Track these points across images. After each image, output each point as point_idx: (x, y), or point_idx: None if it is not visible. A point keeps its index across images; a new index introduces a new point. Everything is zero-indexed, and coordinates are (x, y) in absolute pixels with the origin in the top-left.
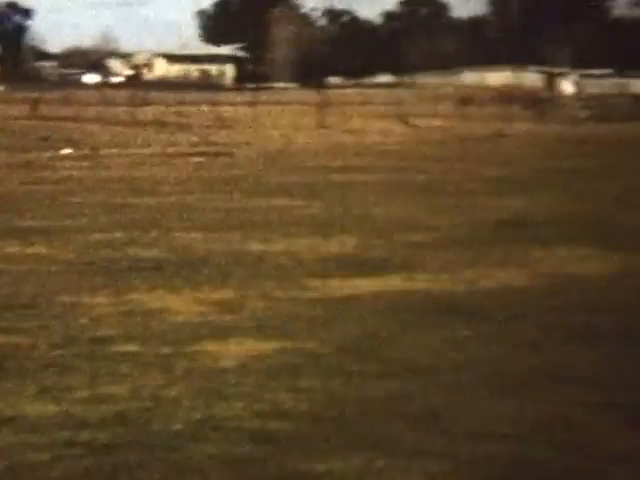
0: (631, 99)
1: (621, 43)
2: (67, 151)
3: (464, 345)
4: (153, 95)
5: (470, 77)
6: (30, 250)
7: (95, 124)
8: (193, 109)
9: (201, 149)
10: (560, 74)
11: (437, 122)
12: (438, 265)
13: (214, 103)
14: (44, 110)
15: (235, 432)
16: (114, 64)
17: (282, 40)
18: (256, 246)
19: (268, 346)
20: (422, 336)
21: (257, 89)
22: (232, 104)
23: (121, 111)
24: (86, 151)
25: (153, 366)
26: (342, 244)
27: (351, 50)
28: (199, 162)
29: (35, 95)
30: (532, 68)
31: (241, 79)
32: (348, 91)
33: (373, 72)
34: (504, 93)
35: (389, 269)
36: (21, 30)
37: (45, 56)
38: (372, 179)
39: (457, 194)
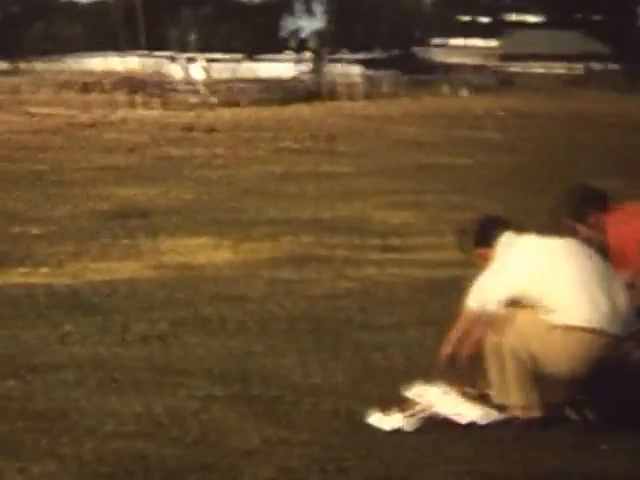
0: (257, 82)
1: (252, 27)
2: None
3: (86, 341)
4: None
5: (94, 63)
6: None
7: None
8: None
9: None
10: (189, 59)
11: (57, 110)
12: (56, 258)
13: None
14: None
15: None
16: None
17: None
18: None
19: None
20: (38, 331)
21: None
22: None
23: None
24: None
25: None
26: None
27: None
28: None
29: None
30: (159, 53)
31: None
32: None
33: None
34: (129, 79)
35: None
36: None
37: None
38: None
39: (74, 184)
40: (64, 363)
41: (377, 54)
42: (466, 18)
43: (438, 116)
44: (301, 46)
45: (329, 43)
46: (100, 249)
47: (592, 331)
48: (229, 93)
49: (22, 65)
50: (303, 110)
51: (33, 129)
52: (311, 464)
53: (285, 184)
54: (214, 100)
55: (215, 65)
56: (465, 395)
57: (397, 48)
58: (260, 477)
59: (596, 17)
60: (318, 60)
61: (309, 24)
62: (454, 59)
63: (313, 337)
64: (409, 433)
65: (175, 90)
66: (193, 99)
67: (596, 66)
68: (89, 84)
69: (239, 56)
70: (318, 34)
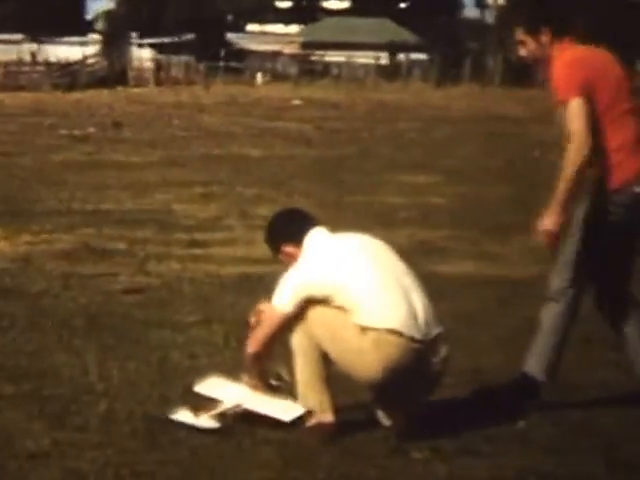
0: (44, 66)
1: (33, 8)
2: None
3: None
4: None
5: None
6: None
7: None
8: None
9: None
10: None
11: None
12: None
13: None
14: None
15: None
16: None
17: None
18: None
19: None
20: None
21: None
22: None
23: None
24: None
25: None
26: None
27: None
28: None
29: None
30: None
31: None
32: None
33: None
34: None
35: None
36: None
37: None
38: None
39: None
40: None
41: (170, 39)
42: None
43: (233, 104)
44: (90, 28)
45: (119, 25)
46: None
47: (392, 333)
48: (10, 76)
49: None
50: (90, 95)
51: None
52: (104, 468)
53: (67, 173)
54: None
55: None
56: (271, 392)
57: (200, 32)
58: None
59: (402, 5)
60: (108, 44)
61: (98, 5)
62: (254, 46)
63: (110, 335)
64: (210, 436)
65: None
66: None
67: (403, 56)
68: None
69: (19, 37)
70: (108, 15)
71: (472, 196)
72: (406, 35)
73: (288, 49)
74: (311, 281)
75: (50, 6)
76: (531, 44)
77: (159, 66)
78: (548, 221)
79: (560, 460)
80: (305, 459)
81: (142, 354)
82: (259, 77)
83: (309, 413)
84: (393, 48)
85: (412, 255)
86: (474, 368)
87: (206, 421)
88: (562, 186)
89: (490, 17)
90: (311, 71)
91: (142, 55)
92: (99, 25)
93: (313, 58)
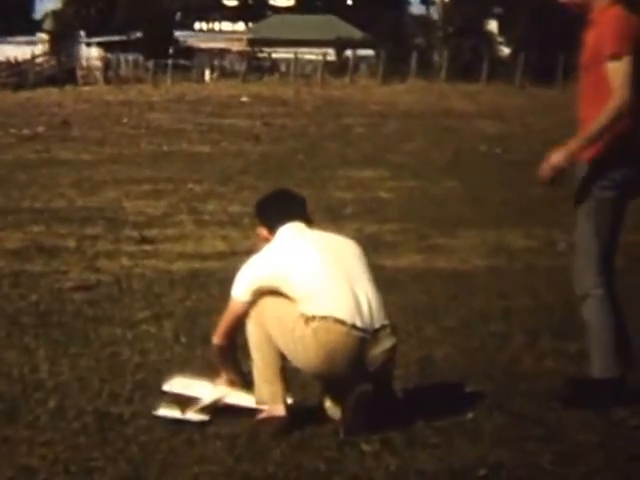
0: None
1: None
2: None
3: None
4: None
5: None
6: None
7: None
8: None
9: None
10: None
11: None
12: None
13: None
14: None
15: None
16: None
17: None
18: None
19: None
20: None
21: None
22: None
23: None
24: None
25: None
26: None
27: None
28: None
29: None
30: None
31: None
32: None
33: None
34: None
35: None
36: None
37: None
38: None
39: None
40: None
41: (118, 37)
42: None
43: (181, 102)
44: (38, 28)
45: (67, 25)
46: None
47: (333, 321)
48: None
49: None
50: (39, 94)
51: None
52: (54, 464)
53: (17, 172)
54: None
55: None
56: (232, 384)
57: (148, 31)
58: None
59: (349, 1)
60: (56, 43)
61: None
62: (202, 43)
63: (60, 332)
64: (160, 432)
65: None
66: None
67: (350, 52)
68: None
69: None
70: (55, 15)
71: (419, 190)
72: (352, 31)
73: (236, 46)
74: (264, 272)
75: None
76: None
77: (107, 64)
78: (561, 156)
79: (509, 450)
80: (255, 453)
81: (92, 351)
82: (207, 74)
83: (261, 405)
84: (340, 44)
85: (362, 249)
86: (422, 360)
87: (195, 415)
88: (590, 133)
89: (435, 13)
90: (259, 68)
91: (90, 54)
92: (47, 24)
93: (261, 55)
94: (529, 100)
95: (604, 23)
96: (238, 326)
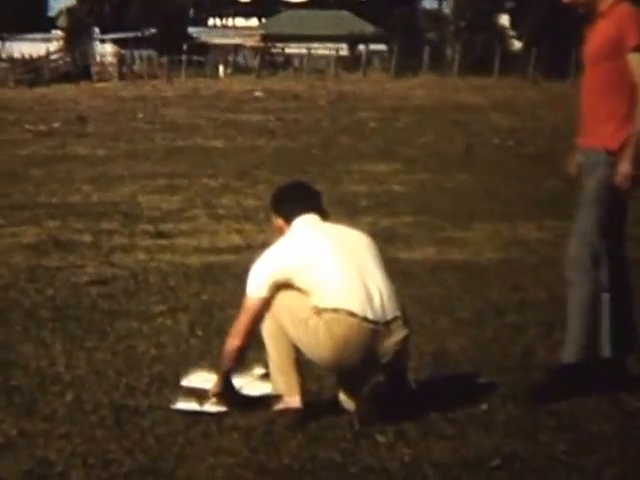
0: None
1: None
2: None
3: None
4: None
5: None
6: None
7: None
8: None
9: None
10: None
11: None
12: None
13: None
14: None
15: None
16: None
17: None
18: None
19: None
20: None
21: None
22: None
23: None
24: None
25: None
26: None
27: None
28: None
29: None
30: None
31: None
32: None
33: None
34: None
35: None
36: None
37: None
38: None
39: None
40: None
41: (133, 34)
42: None
43: (196, 97)
44: (53, 25)
45: (82, 21)
46: None
47: (345, 313)
48: None
49: None
50: (54, 91)
51: None
52: (72, 457)
53: (33, 167)
54: None
55: None
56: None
57: (162, 27)
58: (17, 470)
59: None
60: (70, 39)
61: (60, 2)
62: (215, 39)
63: (76, 326)
64: (177, 424)
65: None
66: None
67: (363, 47)
68: None
69: None
70: (70, 12)
71: (433, 183)
72: (365, 26)
73: (249, 42)
74: (278, 266)
75: (13, 3)
76: None
77: (122, 61)
78: (627, 165)
79: (523, 441)
80: (271, 445)
81: (109, 344)
82: (221, 70)
83: (278, 397)
84: (352, 39)
85: (375, 242)
86: (437, 351)
87: (212, 407)
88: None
89: (447, 8)
90: (272, 63)
91: (105, 50)
92: (61, 21)
93: (274, 50)
94: (541, 94)
95: (618, 16)
96: (258, 324)
